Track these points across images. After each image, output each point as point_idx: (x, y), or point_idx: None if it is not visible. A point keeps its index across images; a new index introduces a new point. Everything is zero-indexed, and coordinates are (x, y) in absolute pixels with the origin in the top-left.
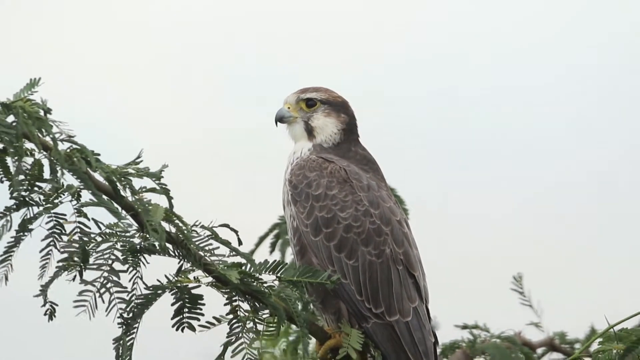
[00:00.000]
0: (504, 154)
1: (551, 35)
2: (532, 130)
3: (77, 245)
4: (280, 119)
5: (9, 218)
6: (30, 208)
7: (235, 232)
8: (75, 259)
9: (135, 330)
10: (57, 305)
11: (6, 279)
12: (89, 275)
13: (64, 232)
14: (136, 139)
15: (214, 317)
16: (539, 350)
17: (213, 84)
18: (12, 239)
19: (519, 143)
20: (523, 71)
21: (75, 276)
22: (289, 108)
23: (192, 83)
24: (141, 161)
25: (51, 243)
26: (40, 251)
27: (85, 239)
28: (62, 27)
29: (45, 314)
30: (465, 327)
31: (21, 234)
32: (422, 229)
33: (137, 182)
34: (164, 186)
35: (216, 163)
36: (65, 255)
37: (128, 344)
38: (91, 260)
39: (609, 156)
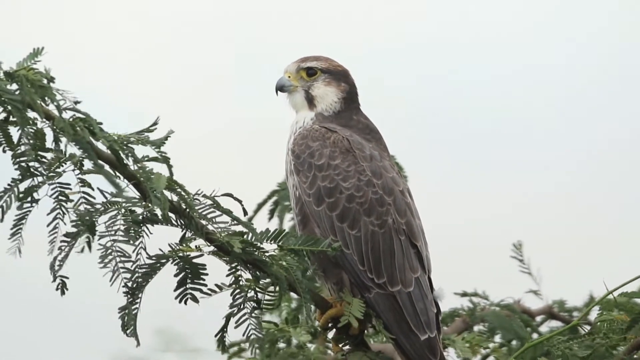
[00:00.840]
0: (505, 132)
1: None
2: (535, 110)
3: (83, 214)
4: (280, 87)
5: (16, 189)
6: (34, 179)
7: (239, 201)
8: (79, 228)
9: (139, 300)
10: (67, 278)
11: (19, 251)
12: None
13: (69, 200)
14: (143, 111)
15: (216, 285)
16: (538, 318)
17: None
18: (20, 212)
19: (521, 122)
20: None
21: (83, 248)
22: (289, 77)
23: (194, 64)
24: (155, 128)
25: (57, 216)
26: (48, 225)
27: (90, 209)
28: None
29: (57, 289)
30: (464, 294)
31: (28, 205)
32: (422, 197)
33: (141, 152)
34: (164, 154)
35: (219, 135)
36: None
37: (133, 313)
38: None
39: (610, 134)
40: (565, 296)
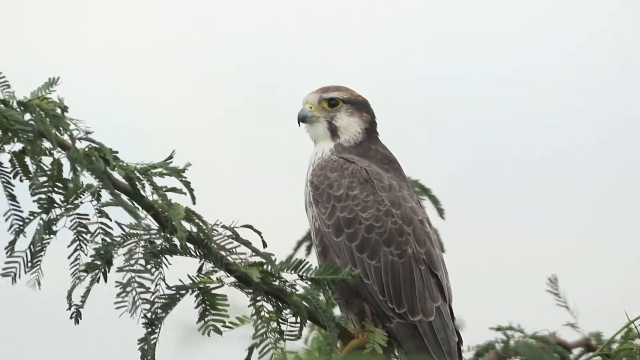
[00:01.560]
0: (535, 157)
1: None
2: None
3: (100, 247)
4: (302, 119)
5: (40, 221)
6: (53, 210)
7: (259, 233)
8: (98, 262)
9: (158, 331)
10: (82, 307)
11: (38, 284)
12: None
13: (88, 232)
14: (153, 130)
15: (237, 317)
16: (575, 351)
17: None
18: (38, 244)
19: (549, 148)
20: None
21: (99, 278)
22: (310, 108)
23: (207, 75)
24: (171, 162)
25: (78, 247)
26: (69, 257)
27: (108, 240)
28: (71, 20)
29: (71, 317)
30: (499, 329)
31: (46, 237)
32: (454, 228)
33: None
34: (184, 179)
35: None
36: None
37: (152, 343)
38: (115, 262)
39: None
40: (603, 328)
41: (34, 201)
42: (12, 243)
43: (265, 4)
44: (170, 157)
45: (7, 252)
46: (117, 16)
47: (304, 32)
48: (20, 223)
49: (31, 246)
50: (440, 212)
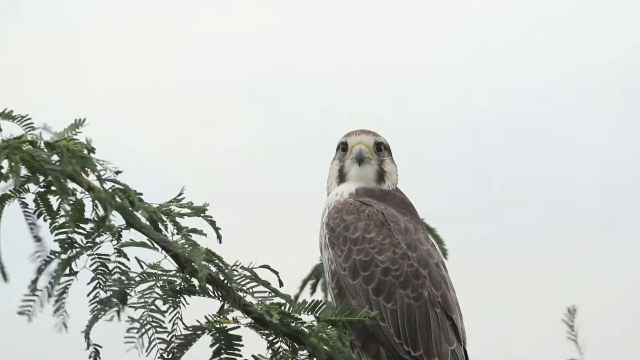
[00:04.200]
0: (543, 194)
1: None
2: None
3: (116, 286)
4: (362, 159)
5: (60, 261)
6: (73, 250)
7: (276, 273)
8: (114, 300)
9: None
10: (100, 347)
11: (65, 326)
12: (131, 313)
13: (108, 271)
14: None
15: (253, 356)
16: None
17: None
18: (61, 286)
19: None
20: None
21: (113, 317)
22: (367, 149)
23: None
24: (183, 198)
25: (97, 285)
26: (88, 295)
27: (124, 279)
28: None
29: (90, 357)
30: None
31: (68, 277)
32: (462, 269)
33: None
34: (209, 218)
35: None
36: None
37: None
38: (132, 300)
39: None
40: None
41: (54, 241)
42: (34, 282)
43: (287, 37)
44: (181, 193)
45: (30, 291)
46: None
47: (323, 63)
48: (44, 263)
49: (50, 284)
50: (444, 253)
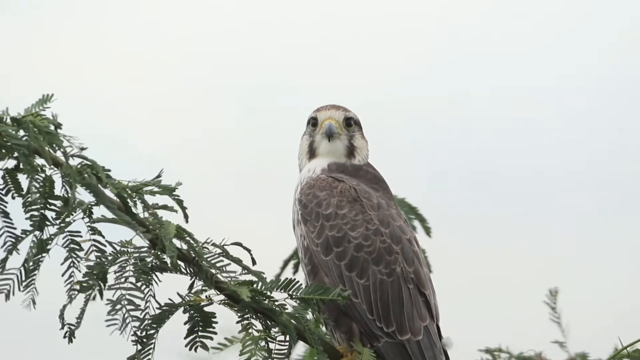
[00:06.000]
0: (530, 173)
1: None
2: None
3: (94, 265)
4: (332, 134)
5: (34, 239)
6: (45, 227)
7: (248, 250)
8: (91, 281)
9: (151, 350)
10: (75, 326)
11: (34, 303)
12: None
13: (81, 249)
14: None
15: (226, 338)
16: None
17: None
18: (32, 264)
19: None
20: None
21: (94, 296)
22: (336, 124)
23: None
24: (161, 180)
25: (72, 265)
26: (62, 275)
27: (102, 257)
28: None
29: (64, 337)
30: (487, 350)
31: (39, 255)
32: (442, 247)
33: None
34: (177, 197)
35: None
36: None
37: None
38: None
39: None
40: (591, 349)
41: (26, 218)
42: (4, 261)
43: (261, 23)
44: (159, 175)
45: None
46: (111, 32)
47: (296, 51)
48: (13, 240)
49: (25, 264)
50: (427, 231)
